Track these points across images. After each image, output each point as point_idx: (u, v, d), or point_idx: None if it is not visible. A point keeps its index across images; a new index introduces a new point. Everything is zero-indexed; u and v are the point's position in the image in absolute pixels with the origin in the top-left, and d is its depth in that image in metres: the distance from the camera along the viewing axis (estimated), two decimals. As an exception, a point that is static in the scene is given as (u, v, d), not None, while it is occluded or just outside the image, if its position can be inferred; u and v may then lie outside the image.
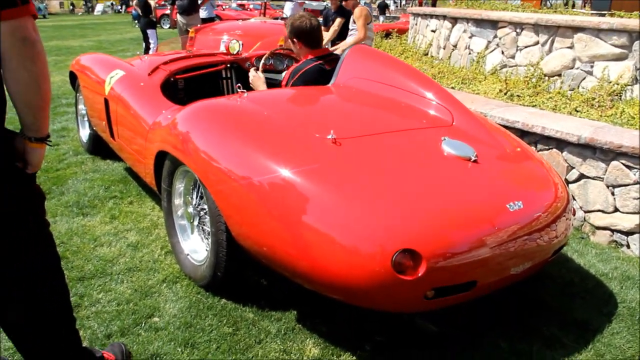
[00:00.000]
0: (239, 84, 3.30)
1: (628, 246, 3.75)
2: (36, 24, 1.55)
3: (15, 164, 1.68)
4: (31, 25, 1.51)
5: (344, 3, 6.77)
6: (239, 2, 31.49)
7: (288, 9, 11.44)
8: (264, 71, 4.18)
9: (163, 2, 21.97)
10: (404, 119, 3.10)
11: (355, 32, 6.70)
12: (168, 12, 21.97)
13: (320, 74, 3.64)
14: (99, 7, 44.66)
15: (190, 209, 3.06)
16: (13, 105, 1.62)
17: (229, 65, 4.48)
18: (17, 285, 1.76)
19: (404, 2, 34.09)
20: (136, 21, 21.16)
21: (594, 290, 3.18)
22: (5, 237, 1.67)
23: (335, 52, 4.12)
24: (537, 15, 5.74)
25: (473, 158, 2.63)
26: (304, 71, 3.65)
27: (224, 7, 26.49)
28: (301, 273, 2.36)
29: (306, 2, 10.74)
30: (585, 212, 3.99)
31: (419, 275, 2.11)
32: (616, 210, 3.80)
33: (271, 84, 4.29)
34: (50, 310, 1.88)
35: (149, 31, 11.16)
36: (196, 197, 3.00)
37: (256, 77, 3.82)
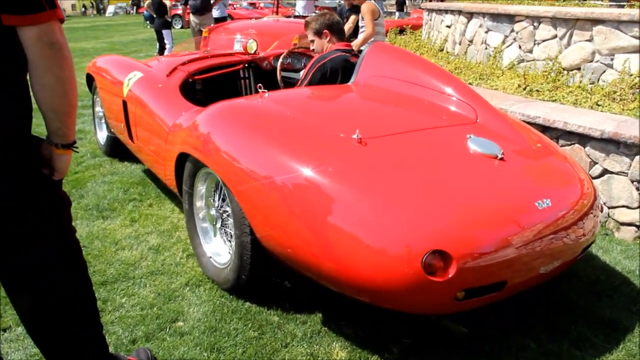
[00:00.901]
0: (260, 84, 3.28)
1: (654, 242, 3.70)
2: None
3: (42, 171, 1.67)
4: (58, 29, 1.49)
5: None
6: (249, 0, 31.53)
7: (300, 7, 11.39)
8: (282, 70, 4.17)
9: (174, 2, 22.04)
10: (428, 117, 3.06)
11: (364, 29, 6.66)
12: (180, 12, 22.01)
13: (346, 64, 3.71)
14: (110, 9, 44.93)
15: (213, 212, 3.04)
16: (39, 111, 1.61)
17: (246, 65, 4.46)
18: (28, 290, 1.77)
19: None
20: (148, 22, 21.23)
21: (621, 288, 3.13)
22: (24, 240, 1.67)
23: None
24: (555, 9, 5.67)
25: (499, 156, 2.59)
26: (331, 59, 3.71)
27: (234, 6, 26.53)
28: (326, 275, 2.34)
29: (319, -1, 10.71)
30: (610, 208, 3.93)
31: (450, 276, 2.08)
32: (641, 205, 3.74)
33: (289, 82, 4.27)
34: (68, 321, 1.88)
35: (164, 32, 11.15)
36: (218, 199, 2.98)
37: None
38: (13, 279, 1.76)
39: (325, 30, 3.82)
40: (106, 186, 4.49)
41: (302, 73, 4.17)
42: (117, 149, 5.03)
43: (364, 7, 6.41)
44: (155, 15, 11.29)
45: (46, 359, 1.96)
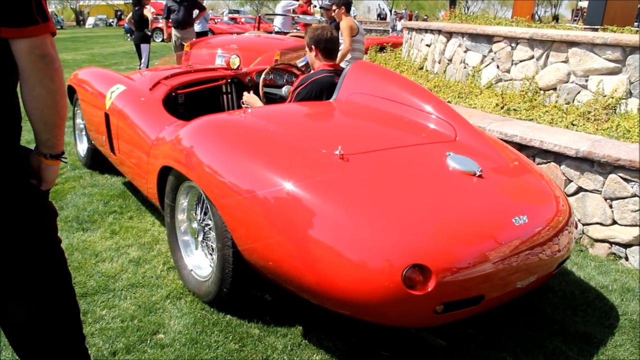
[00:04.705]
0: (243, 100, 3.31)
1: (627, 258, 3.78)
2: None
3: (30, 181, 1.68)
4: (50, 42, 1.52)
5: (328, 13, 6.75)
6: (230, 15, 31.68)
7: (278, 22, 11.44)
8: (264, 86, 4.21)
9: (155, 16, 22.02)
10: (408, 134, 3.12)
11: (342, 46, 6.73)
12: (161, 25, 21.99)
13: (330, 86, 3.70)
14: (90, 20, 44.76)
15: (195, 225, 3.06)
16: (29, 121, 1.63)
17: (229, 80, 4.48)
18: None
19: (394, 17, 34.41)
20: (128, 35, 21.15)
21: (595, 302, 3.20)
22: (11, 250, 1.67)
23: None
24: (532, 30, 5.79)
25: (478, 173, 2.65)
26: (315, 79, 3.71)
27: (215, 20, 26.61)
28: (308, 288, 2.36)
29: (300, 16, 10.76)
30: (584, 224, 4.01)
31: (429, 290, 2.12)
32: (614, 222, 3.83)
33: (271, 98, 4.31)
34: (52, 331, 1.87)
35: (142, 46, 11.03)
36: (200, 213, 3.00)
37: (250, 97, 3.95)
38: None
39: (312, 46, 3.79)
40: (86, 198, 4.47)
41: (284, 90, 4.21)
42: (97, 161, 5.02)
43: (343, 24, 6.52)
44: (135, 29, 11.20)
45: None
